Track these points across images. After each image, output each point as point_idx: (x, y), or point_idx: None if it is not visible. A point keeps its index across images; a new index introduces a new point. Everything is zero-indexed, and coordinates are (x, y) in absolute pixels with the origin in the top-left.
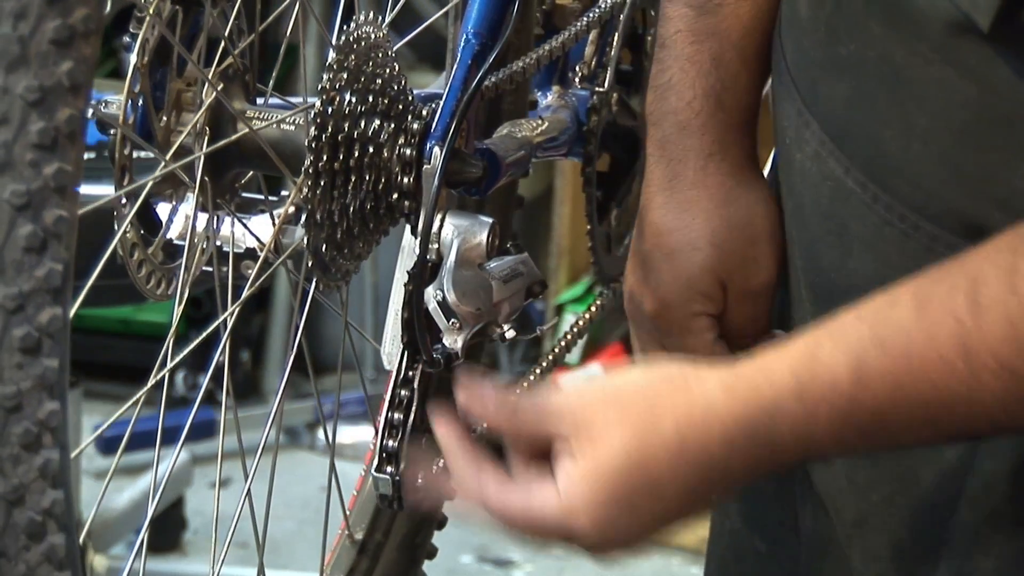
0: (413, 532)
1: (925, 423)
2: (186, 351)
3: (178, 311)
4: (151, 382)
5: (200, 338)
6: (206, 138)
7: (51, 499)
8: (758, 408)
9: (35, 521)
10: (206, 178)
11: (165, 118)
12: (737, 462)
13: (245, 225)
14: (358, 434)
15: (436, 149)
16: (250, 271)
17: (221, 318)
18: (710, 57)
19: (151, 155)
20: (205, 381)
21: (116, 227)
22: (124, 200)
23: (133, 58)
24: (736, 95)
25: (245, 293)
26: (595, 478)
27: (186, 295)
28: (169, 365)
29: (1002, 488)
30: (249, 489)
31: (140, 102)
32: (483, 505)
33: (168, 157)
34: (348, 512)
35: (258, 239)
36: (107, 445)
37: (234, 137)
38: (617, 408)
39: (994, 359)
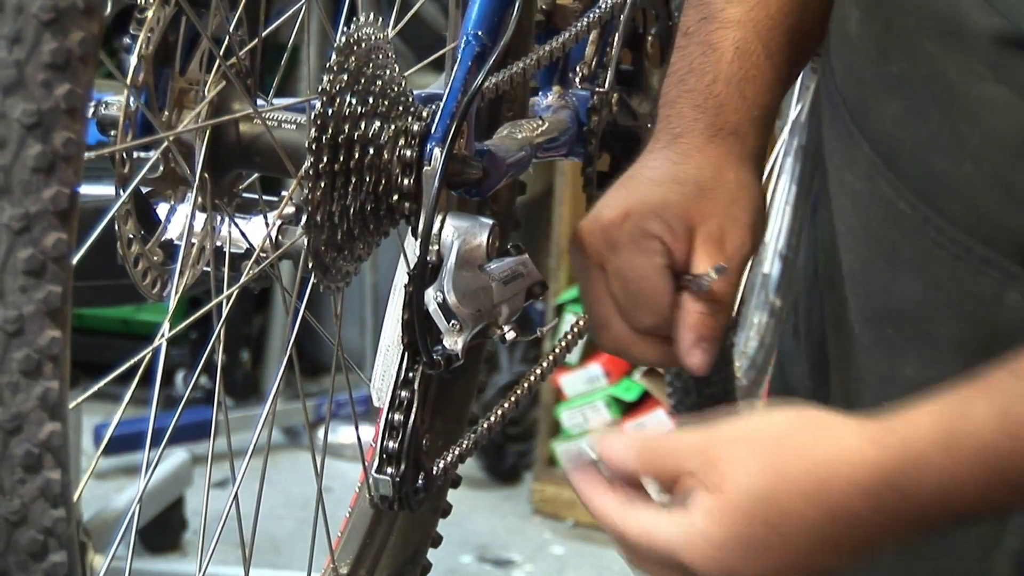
0: (398, 572)
1: None
2: (177, 329)
3: (173, 305)
4: (141, 356)
5: (193, 318)
6: (207, 133)
7: (49, 431)
8: (902, 457)
9: (32, 453)
10: (206, 175)
11: (167, 113)
12: (874, 513)
13: (239, 227)
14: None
15: (436, 151)
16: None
17: (214, 301)
18: (734, 46)
19: (150, 156)
20: (195, 377)
21: (115, 222)
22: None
23: (134, 58)
24: (757, 88)
25: (237, 285)
26: (717, 516)
27: (181, 291)
28: (153, 344)
29: None
30: (238, 490)
31: (140, 99)
32: (603, 520)
33: (170, 137)
34: (334, 550)
35: (249, 240)
36: (108, 444)
37: (238, 115)
38: (746, 445)
39: None
